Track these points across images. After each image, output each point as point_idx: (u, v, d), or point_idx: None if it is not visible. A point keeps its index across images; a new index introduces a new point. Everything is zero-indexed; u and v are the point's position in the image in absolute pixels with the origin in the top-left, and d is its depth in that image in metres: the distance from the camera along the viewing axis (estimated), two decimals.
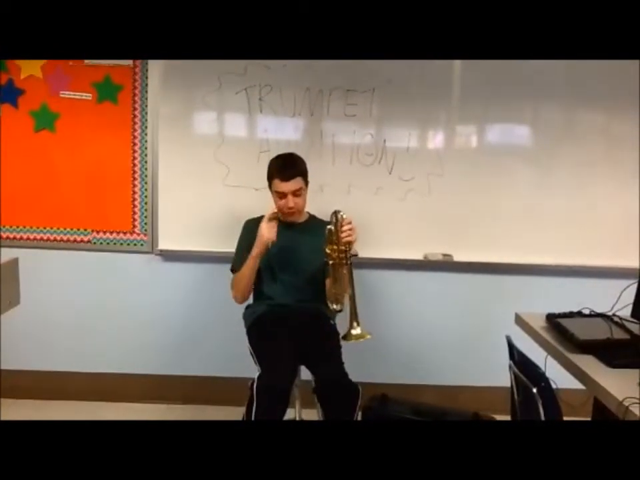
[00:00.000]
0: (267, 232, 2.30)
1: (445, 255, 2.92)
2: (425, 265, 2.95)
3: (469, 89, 2.81)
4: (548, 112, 2.88)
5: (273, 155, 2.76)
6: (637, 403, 1.44)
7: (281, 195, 2.35)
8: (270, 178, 2.39)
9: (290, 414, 2.72)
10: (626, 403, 1.45)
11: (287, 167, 2.36)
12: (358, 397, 2.17)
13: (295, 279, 2.43)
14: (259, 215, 2.48)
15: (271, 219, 2.32)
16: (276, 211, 2.38)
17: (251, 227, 2.46)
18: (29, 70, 2.79)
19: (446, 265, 2.95)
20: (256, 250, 2.33)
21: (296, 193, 2.34)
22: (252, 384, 2.14)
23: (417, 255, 2.92)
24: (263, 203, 2.55)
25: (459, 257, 2.92)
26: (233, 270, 2.45)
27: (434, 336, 3.06)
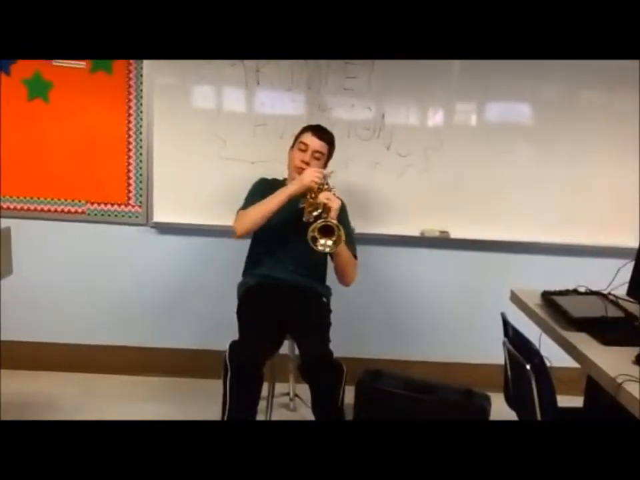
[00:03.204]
0: (312, 174, 2.22)
1: (441, 232, 2.90)
2: (422, 242, 2.94)
3: (469, 65, 2.76)
4: (548, 88, 2.84)
5: (270, 128, 2.77)
6: (630, 380, 1.44)
7: (303, 147, 2.35)
8: (301, 133, 2.40)
9: (284, 388, 2.75)
10: (619, 380, 1.45)
11: (324, 130, 2.41)
12: (342, 375, 2.09)
13: (292, 254, 2.40)
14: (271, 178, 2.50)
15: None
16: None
17: (265, 183, 2.46)
18: None
19: (442, 242, 2.93)
20: (292, 188, 2.24)
21: (316, 155, 2.35)
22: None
23: (414, 232, 2.90)
24: (258, 176, 2.54)
25: (455, 233, 2.91)
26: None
27: (429, 312, 3.05)
